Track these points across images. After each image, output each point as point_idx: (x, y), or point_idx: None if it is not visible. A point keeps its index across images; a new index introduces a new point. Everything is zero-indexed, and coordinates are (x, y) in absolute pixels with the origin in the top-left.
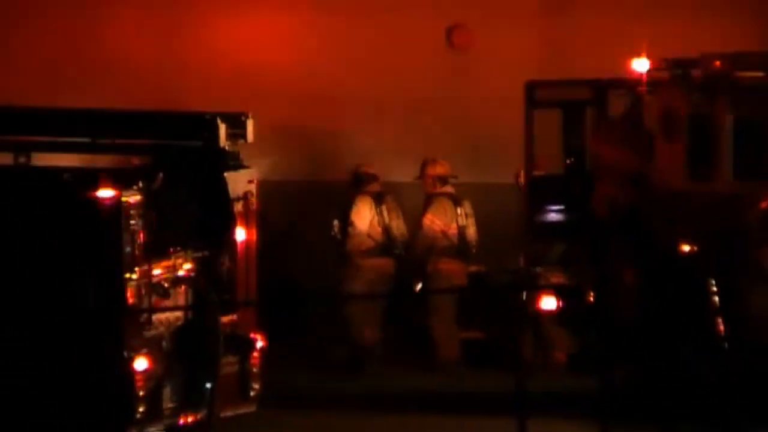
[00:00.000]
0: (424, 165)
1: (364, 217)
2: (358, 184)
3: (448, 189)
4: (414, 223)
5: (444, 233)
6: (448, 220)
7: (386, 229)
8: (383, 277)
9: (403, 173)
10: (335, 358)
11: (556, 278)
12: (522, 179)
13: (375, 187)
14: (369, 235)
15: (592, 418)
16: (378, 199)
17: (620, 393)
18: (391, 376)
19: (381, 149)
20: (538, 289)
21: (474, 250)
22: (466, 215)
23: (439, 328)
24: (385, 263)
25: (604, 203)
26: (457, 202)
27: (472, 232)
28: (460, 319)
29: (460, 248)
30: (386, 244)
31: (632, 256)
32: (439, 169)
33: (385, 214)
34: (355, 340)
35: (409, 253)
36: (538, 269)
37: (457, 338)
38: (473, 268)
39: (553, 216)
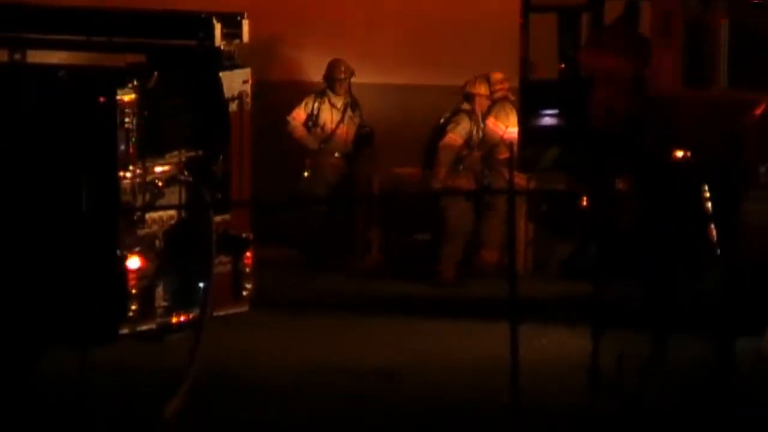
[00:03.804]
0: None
1: None
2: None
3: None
4: None
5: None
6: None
7: None
8: None
9: (399, 76)
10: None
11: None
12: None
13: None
14: None
15: (584, 325)
16: None
17: (613, 300)
18: (385, 280)
19: (375, 52)
20: (530, 193)
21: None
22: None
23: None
24: None
25: (601, 109)
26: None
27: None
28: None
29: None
30: None
31: (628, 162)
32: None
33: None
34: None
35: None
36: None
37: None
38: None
39: (547, 121)
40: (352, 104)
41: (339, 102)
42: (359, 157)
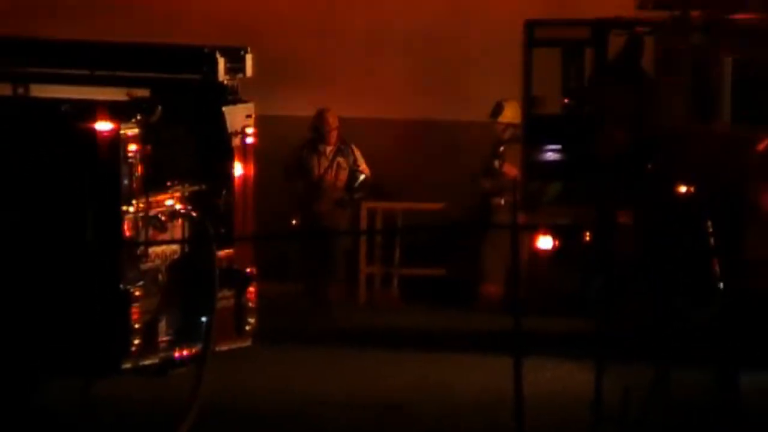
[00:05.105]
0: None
1: None
2: None
3: None
4: None
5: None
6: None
7: None
8: None
9: (398, 110)
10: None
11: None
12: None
13: None
14: None
15: (587, 359)
16: None
17: (616, 334)
18: (389, 313)
19: (377, 85)
20: (534, 228)
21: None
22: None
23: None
24: None
25: (607, 144)
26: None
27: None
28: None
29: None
30: None
31: (631, 197)
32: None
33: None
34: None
35: None
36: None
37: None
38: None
39: (551, 155)
40: (343, 150)
41: (328, 149)
42: (354, 202)
